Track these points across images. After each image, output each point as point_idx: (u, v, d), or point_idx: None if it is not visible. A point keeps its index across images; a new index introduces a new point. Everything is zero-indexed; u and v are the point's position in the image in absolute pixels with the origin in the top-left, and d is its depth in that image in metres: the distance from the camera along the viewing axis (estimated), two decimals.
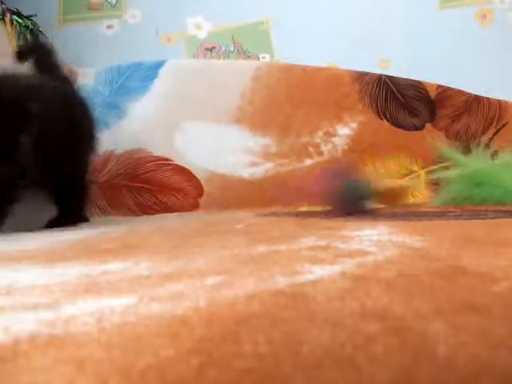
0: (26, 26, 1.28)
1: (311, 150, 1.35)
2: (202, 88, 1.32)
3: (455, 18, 1.58)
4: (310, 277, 0.28)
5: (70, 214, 0.85)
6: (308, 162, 1.33)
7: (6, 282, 0.31)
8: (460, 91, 1.40)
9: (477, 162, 1.11)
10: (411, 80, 1.42)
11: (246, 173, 1.28)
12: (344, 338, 0.18)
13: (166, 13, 1.63)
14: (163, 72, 1.34)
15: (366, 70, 1.44)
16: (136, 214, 1.19)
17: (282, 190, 1.26)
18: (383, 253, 0.36)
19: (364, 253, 0.36)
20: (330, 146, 1.36)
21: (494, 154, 1.16)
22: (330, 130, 1.37)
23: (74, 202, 0.87)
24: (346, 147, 1.36)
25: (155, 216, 1.13)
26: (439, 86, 1.41)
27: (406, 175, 1.35)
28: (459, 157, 1.17)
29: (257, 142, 1.33)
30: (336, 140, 1.36)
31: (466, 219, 0.67)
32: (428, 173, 1.33)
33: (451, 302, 0.22)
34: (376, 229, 0.53)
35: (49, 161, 0.74)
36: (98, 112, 1.12)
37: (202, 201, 1.21)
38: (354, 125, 1.38)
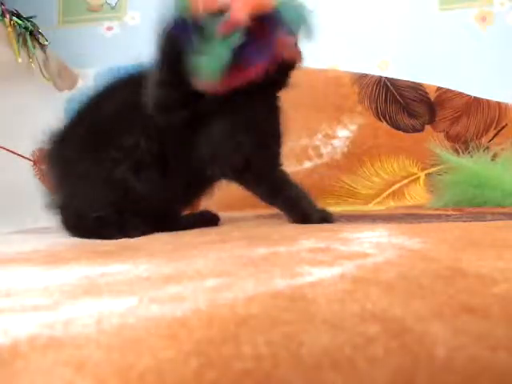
0: (26, 27, 1.28)
1: (311, 152, 1.35)
2: None
3: (455, 19, 1.59)
4: (309, 279, 0.28)
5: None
6: (307, 164, 1.33)
7: (6, 284, 0.31)
8: (460, 93, 1.41)
9: (476, 163, 1.12)
10: (411, 82, 1.42)
11: None
12: (343, 339, 0.18)
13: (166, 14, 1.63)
14: None
15: (366, 71, 1.44)
16: None
17: None
18: (383, 255, 0.36)
19: (364, 255, 0.36)
20: (329, 149, 1.36)
21: (494, 156, 1.16)
22: (330, 132, 1.37)
23: None
24: (346, 149, 1.36)
25: None
26: (439, 88, 1.41)
27: (406, 177, 1.35)
28: (459, 159, 1.17)
29: None
30: (335, 142, 1.37)
31: (465, 221, 0.67)
32: (427, 175, 1.33)
33: (450, 304, 0.22)
34: (375, 231, 0.53)
35: None
36: None
37: (201, 202, 1.21)
38: (354, 127, 1.38)
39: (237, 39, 0.52)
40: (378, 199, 1.32)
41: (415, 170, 1.35)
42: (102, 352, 0.18)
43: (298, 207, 0.70)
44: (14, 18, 1.26)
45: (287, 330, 0.19)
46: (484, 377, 0.16)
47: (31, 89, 1.27)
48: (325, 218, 0.68)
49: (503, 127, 1.37)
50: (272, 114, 0.74)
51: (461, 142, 1.36)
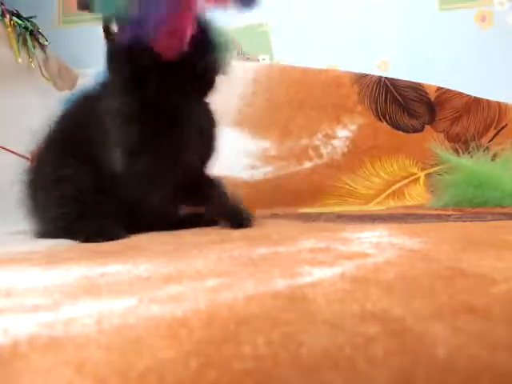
0: (26, 27, 1.28)
1: (311, 152, 1.35)
2: None
3: (455, 19, 1.59)
4: (309, 279, 0.28)
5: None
6: (307, 164, 1.33)
7: (6, 284, 0.31)
8: (460, 93, 1.40)
9: (476, 163, 1.12)
10: (411, 82, 1.42)
11: (246, 175, 1.29)
12: (343, 339, 0.18)
13: None
14: None
15: (366, 71, 1.44)
16: None
17: (281, 192, 1.26)
18: (383, 255, 0.36)
19: (364, 255, 0.36)
20: (329, 149, 1.36)
21: (494, 156, 1.16)
22: (330, 132, 1.37)
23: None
24: (346, 149, 1.36)
25: None
26: (439, 88, 1.41)
27: (406, 177, 1.35)
28: (459, 159, 1.17)
29: (256, 145, 1.33)
30: (336, 142, 1.37)
31: (465, 221, 0.67)
32: (427, 175, 1.33)
33: (450, 304, 0.22)
34: (376, 231, 0.53)
35: None
36: None
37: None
38: (354, 127, 1.38)
39: None
40: (378, 199, 1.32)
41: (415, 170, 1.35)
42: (102, 352, 0.18)
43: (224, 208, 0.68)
44: (14, 18, 1.26)
45: (287, 330, 0.19)
46: (484, 377, 0.16)
47: (31, 89, 1.27)
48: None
49: (503, 127, 1.37)
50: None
51: (461, 142, 1.36)
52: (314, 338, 0.18)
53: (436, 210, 0.99)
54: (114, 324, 0.21)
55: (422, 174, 1.34)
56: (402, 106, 1.40)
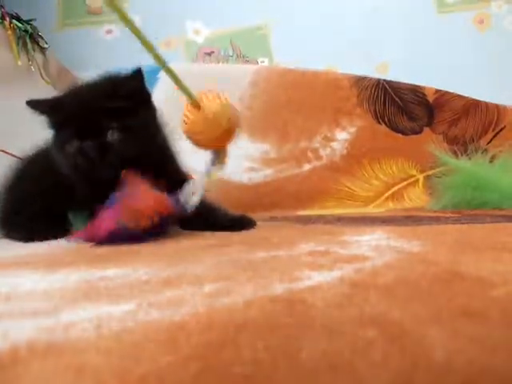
0: (26, 31, 1.28)
1: (310, 154, 1.35)
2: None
3: (453, 22, 1.59)
4: (308, 283, 0.28)
5: None
6: (307, 167, 1.34)
7: (5, 289, 0.31)
8: (458, 95, 1.41)
9: (475, 165, 1.12)
10: (409, 84, 1.43)
11: (245, 178, 1.29)
12: (342, 343, 0.18)
13: (166, 17, 1.64)
14: (162, 77, 1.34)
15: (365, 74, 1.45)
16: None
17: (280, 194, 1.26)
18: (382, 258, 0.36)
19: (363, 258, 0.36)
20: (328, 151, 1.36)
21: (492, 158, 1.16)
22: (329, 134, 1.37)
23: None
24: (345, 152, 1.36)
25: None
26: (437, 90, 1.42)
27: (405, 179, 1.35)
28: (457, 161, 1.17)
29: (256, 148, 1.33)
30: (335, 145, 1.37)
31: (464, 224, 0.67)
32: (426, 177, 1.33)
33: (449, 308, 0.22)
34: (375, 233, 0.53)
35: None
36: None
37: None
38: (353, 129, 1.38)
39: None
40: (377, 201, 1.32)
41: (414, 172, 1.35)
42: (102, 357, 0.18)
43: None
44: (14, 21, 1.26)
45: (286, 335, 0.19)
46: (483, 380, 0.16)
47: (31, 91, 1.27)
48: None
49: (501, 129, 1.38)
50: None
51: (459, 144, 1.36)
52: (313, 342, 0.18)
53: (435, 212, 0.99)
54: (113, 329, 0.21)
55: (420, 176, 1.34)
56: (401, 109, 1.41)
